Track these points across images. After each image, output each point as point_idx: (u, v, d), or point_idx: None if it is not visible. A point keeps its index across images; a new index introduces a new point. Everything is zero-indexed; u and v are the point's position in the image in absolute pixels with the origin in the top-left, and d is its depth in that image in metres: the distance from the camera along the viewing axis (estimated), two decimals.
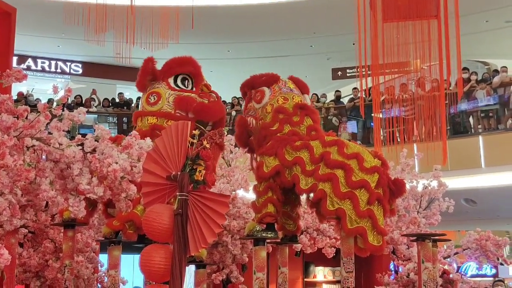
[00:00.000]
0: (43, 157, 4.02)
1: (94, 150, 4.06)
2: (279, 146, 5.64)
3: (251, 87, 6.32)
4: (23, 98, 16.38)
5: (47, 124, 4.08)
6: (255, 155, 6.23)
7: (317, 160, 5.43)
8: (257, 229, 5.77)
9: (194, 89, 6.22)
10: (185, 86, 6.16)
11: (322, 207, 5.32)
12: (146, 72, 6.22)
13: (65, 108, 4.26)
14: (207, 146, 3.68)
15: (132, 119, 6.37)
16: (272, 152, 5.66)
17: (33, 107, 4.20)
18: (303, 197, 6.08)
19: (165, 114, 5.98)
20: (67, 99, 4.96)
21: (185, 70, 6.19)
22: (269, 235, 5.76)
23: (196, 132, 3.71)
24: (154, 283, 4.05)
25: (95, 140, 4.07)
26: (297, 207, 6.12)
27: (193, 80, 6.20)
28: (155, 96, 6.09)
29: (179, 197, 3.68)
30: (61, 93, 4.51)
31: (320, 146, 5.52)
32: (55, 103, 4.22)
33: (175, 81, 6.12)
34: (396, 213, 6.85)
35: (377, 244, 5.22)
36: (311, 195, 5.62)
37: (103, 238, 6.29)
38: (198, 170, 3.67)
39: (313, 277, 12.24)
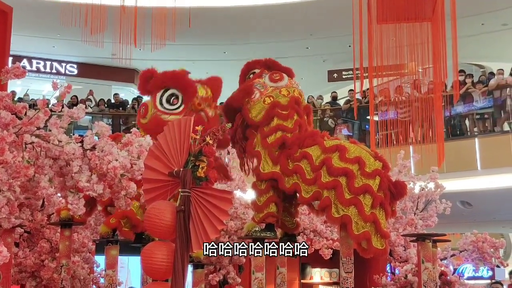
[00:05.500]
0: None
1: (93, 148, 4.02)
2: (283, 155, 5.58)
3: (268, 67, 6.26)
4: (18, 98, 16.26)
5: (46, 121, 4.05)
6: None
7: (318, 167, 5.40)
8: (256, 229, 5.74)
9: (183, 105, 5.67)
10: (170, 103, 5.64)
11: (327, 214, 5.30)
12: (144, 80, 5.90)
13: (64, 105, 4.23)
14: (210, 142, 3.65)
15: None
16: (276, 162, 5.61)
17: (29, 107, 4.15)
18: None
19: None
20: (66, 96, 4.91)
21: (173, 85, 5.69)
22: (268, 235, 5.72)
23: (199, 128, 3.67)
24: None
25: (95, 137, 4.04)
26: (295, 201, 6.05)
27: (182, 96, 5.67)
28: (143, 109, 5.72)
29: (181, 194, 3.65)
30: (57, 92, 4.47)
31: (320, 153, 5.48)
32: (51, 99, 4.19)
33: (161, 97, 5.65)
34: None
35: (381, 247, 5.19)
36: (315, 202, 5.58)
37: (99, 238, 6.26)
38: (200, 166, 3.64)
39: (310, 279, 12.17)
